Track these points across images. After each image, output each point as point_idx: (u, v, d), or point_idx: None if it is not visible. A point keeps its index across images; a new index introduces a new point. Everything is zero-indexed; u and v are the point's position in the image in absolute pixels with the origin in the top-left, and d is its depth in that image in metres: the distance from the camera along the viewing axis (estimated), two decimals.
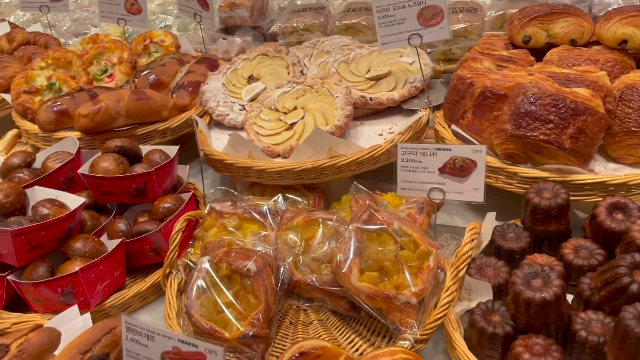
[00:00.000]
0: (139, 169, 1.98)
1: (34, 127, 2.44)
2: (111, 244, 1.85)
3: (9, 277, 1.73)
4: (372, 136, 2.21)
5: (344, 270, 1.55)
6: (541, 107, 1.73)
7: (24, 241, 1.69)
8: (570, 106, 1.72)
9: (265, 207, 1.92)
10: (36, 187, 1.93)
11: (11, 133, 2.55)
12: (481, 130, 1.94)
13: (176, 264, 1.82)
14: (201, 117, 2.49)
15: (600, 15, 2.76)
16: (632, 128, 1.76)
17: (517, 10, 2.61)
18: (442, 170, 1.76)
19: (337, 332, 1.69)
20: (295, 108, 2.28)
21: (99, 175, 1.94)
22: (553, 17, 2.15)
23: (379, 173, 2.12)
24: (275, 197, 2.02)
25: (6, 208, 1.79)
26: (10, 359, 1.38)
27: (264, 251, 1.75)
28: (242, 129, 2.39)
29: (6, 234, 1.65)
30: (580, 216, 1.79)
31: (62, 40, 3.43)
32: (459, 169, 1.74)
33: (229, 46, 3.14)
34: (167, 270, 1.80)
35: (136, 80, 2.73)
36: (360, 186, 1.85)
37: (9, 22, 3.45)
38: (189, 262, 1.84)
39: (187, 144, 2.71)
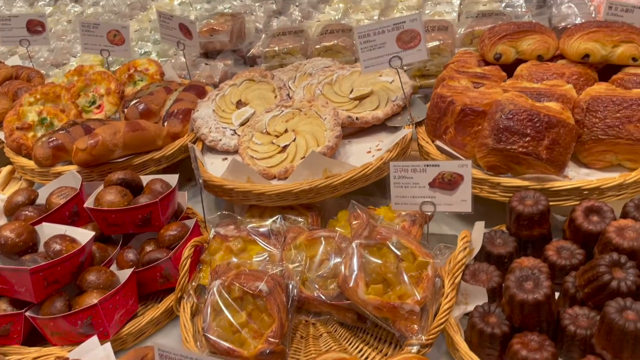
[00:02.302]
0: (143, 199, 2.07)
1: (29, 163, 2.49)
2: (122, 274, 1.93)
3: (27, 314, 1.79)
4: (361, 154, 2.34)
5: (350, 285, 1.67)
6: (518, 122, 1.89)
7: (41, 278, 1.75)
8: (544, 120, 1.88)
9: (268, 228, 2.03)
10: (44, 223, 1.99)
11: (6, 169, 2.59)
12: (463, 145, 2.09)
13: (187, 288, 1.91)
14: (194, 143, 2.59)
15: (561, 26, 3.00)
16: (599, 136, 1.94)
17: (484, 27, 2.81)
18: (431, 185, 1.90)
19: (347, 342, 1.81)
20: (286, 131, 2.40)
21: (106, 208, 2.02)
22: (520, 35, 2.32)
23: (368, 187, 2.25)
24: (275, 218, 2.14)
25: (19, 247, 1.85)
26: None
27: (271, 271, 1.85)
28: (235, 153, 2.49)
29: (24, 272, 1.72)
30: (559, 219, 1.95)
31: (42, 71, 3.48)
32: (447, 183, 1.89)
33: (212, 71, 3.24)
34: (179, 295, 1.89)
35: (125, 110, 2.80)
36: (357, 204, 1.98)
37: None
38: (199, 286, 1.95)
39: (178, 168, 2.80)
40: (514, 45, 2.34)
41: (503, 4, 3.39)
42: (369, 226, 1.81)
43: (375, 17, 3.54)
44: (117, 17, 4.37)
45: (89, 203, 2.07)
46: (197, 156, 2.34)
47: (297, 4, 3.99)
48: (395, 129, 2.39)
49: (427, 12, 3.43)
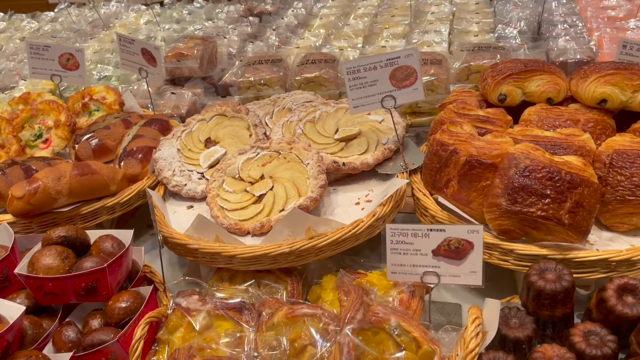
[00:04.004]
0: (88, 263, 1.71)
1: None
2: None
3: None
4: (348, 205, 2.05)
5: None
6: (536, 180, 1.62)
7: None
8: (566, 179, 1.62)
9: (240, 300, 1.70)
10: None
11: None
12: (469, 201, 1.81)
13: None
14: (154, 187, 2.25)
15: (559, 61, 2.79)
16: (626, 197, 1.69)
17: (482, 62, 2.56)
18: (435, 253, 1.61)
19: None
20: (262, 177, 2.08)
21: (41, 275, 1.66)
22: (527, 74, 2.08)
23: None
24: (248, 284, 1.82)
25: None
26: None
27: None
28: (202, 199, 2.17)
29: None
30: (579, 292, 1.68)
31: None
32: (454, 251, 1.60)
33: (179, 101, 2.91)
34: None
35: (76, 146, 2.45)
36: (347, 275, 1.67)
37: None
38: None
39: (137, 212, 2.46)
40: (520, 85, 2.09)
41: (495, 35, 3.17)
42: (363, 306, 1.50)
43: (359, 45, 3.28)
44: (77, 35, 4.00)
45: (21, 268, 1.70)
46: (156, 205, 2.00)
47: (273, 27, 3.70)
48: (387, 176, 2.11)
49: (414, 40, 3.18)
